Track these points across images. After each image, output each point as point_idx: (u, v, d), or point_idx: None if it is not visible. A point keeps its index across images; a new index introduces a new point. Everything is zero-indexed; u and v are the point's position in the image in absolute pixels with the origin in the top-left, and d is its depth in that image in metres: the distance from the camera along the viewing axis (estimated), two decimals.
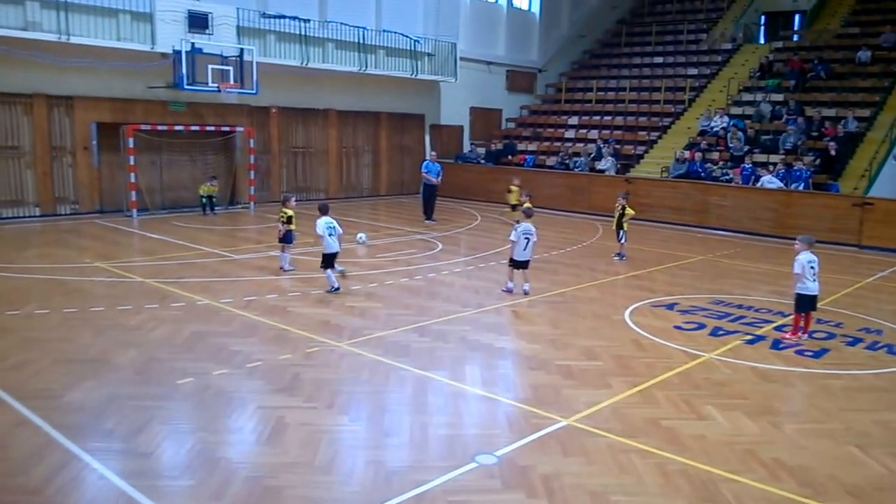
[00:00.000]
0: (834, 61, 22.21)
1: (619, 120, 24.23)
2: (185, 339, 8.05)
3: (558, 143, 23.87)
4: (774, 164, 18.14)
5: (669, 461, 5.41)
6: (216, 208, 18.24)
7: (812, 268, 8.60)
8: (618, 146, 22.12)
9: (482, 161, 23.90)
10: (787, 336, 8.73)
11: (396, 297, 10.29)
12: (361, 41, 21.26)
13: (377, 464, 5.26)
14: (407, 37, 22.44)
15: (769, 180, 17.46)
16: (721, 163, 19.37)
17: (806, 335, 8.70)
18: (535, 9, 28.11)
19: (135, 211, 17.05)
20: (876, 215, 15.68)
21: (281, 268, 11.55)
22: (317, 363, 7.40)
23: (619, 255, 13.70)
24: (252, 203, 19.15)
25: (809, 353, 8.20)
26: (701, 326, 9.17)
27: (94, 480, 4.94)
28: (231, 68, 17.57)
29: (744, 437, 5.91)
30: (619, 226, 13.68)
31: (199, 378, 6.83)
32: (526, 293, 10.51)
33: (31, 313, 8.85)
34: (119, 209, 17.34)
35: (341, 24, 20.68)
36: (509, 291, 10.62)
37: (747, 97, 22.18)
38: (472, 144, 25.51)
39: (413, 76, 22.74)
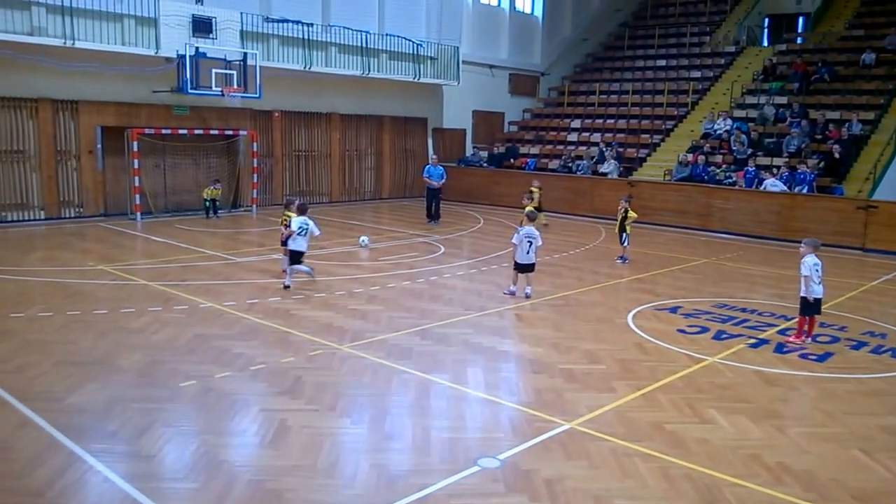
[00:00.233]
0: (838, 64, 22.19)
1: (621, 123, 24.17)
2: (187, 341, 8.07)
3: (561, 147, 23.82)
4: (778, 167, 18.09)
5: (673, 465, 5.40)
6: (219, 211, 18.27)
7: (817, 271, 8.58)
8: (620, 149, 22.07)
9: (485, 164, 23.91)
10: (791, 339, 8.71)
11: (399, 300, 10.29)
12: (364, 45, 21.29)
13: (379, 467, 5.25)
14: (410, 40, 22.47)
15: (773, 183, 17.41)
16: (724, 166, 19.32)
17: (810, 339, 8.68)
18: (538, 12, 28.10)
19: (139, 214, 17.09)
20: (880, 218, 15.63)
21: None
22: (319, 366, 7.40)
23: (621, 258, 13.68)
24: (255, 206, 19.20)
25: (813, 357, 8.19)
26: (704, 330, 9.15)
27: (98, 482, 4.95)
28: (234, 72, 17.61)
29: (748, 441, 5.89)
30: (622, 229, 13.66)
31: (201, 381, 6.83)
32: (528, 296, 10.51)
33: (34, 316, 8.86)
34: (123, 212, 17.38)
35: (344, 28, 20.73)
36: (512, 294, 10.61)
37: (751, 100, 22.14)
38: (474, 148, 25.49)
39: (416, 80, 22.77)
